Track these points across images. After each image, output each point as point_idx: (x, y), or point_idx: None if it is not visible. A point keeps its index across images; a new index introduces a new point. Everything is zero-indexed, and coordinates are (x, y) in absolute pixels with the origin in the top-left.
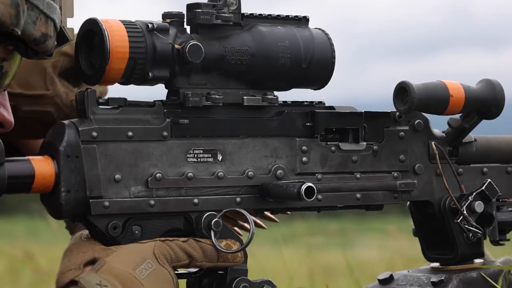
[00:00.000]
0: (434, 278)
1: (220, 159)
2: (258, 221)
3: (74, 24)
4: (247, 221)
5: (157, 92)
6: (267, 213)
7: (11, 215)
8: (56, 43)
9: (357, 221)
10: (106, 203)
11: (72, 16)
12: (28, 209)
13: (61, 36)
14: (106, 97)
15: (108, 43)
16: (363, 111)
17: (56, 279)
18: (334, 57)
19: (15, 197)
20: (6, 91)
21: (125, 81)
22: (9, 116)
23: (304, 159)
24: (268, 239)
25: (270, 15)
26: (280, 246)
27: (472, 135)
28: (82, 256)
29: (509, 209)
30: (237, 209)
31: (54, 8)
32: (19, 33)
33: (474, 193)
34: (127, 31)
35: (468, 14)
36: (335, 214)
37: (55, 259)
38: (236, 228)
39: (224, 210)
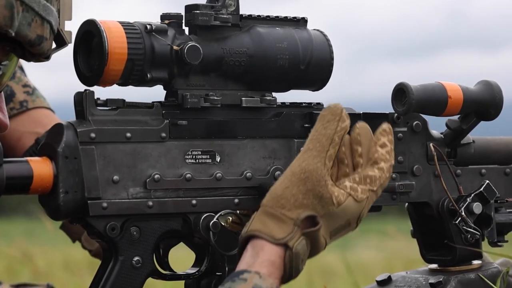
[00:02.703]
0: (432, 280)
1: (218, 160)
2: None
3: (72, 25)
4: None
5: (156, 93)
6: None
7: (9, 216)
8: (55, 45)
9: None
10: (104, 204)
11: (70, 19)
12: (26, 210)
13: (59, 39)
14: (104, 98)
15: (106, 44)
16: (361, 112)
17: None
18: (332, 58)
19: (13, 198)
20: (2, 93)
21: (123, 82)
22: (4, 118)
23: None
24: None
25: (268, 16)
26: None
27: (471, 136)
28: (299, 203)
29: (507, 210)
30: (234, 212)
31: (50, 10)
32: (13, 34)
33: (473, 195)
34: (126, 32)
35: (466, 15)
36: None
37: (53, 260)
38: None
39: (221, 212)
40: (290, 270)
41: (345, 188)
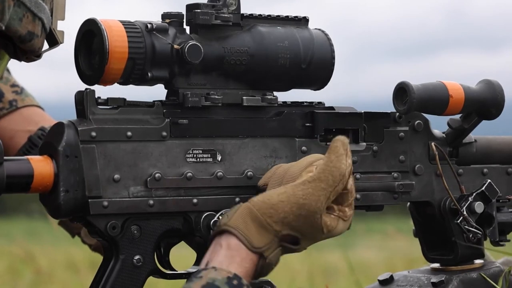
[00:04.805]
0: (434, 279)
1: (219, 159)
2: None
3: (72, 25)
4: None
5: (157, 92)
6: None
7: (11, 216)
8: (48, 46)
9: (357, 221)
10: (105, 203)
11: (63, 18)
12: (28, 209)
13: (51, 38)
14: (105, 97)
15: (107, 43)
16: (362, 111)
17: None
18: (333, 58)
19: (15, 197)
20: None
21: (124, 81)
22: None
23: None
24: None
25: (269, 15)
26: None
27: (472, 135)
28: (287, 221)
29: (509, 210)
30: None
31: (42, 7)
32: (3, 28)
33: (474, 194)
34: (126, 31)
35: (467, 14)
36: None
37: (55, 260)
38: None
39: (222, 211)
40: (258, 275)
41: (333, 212)
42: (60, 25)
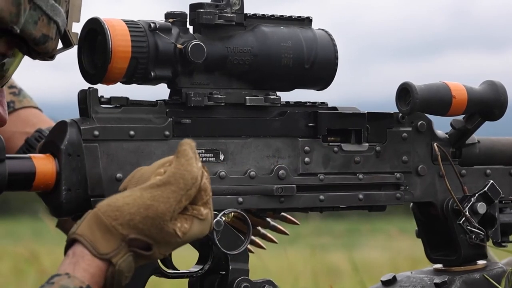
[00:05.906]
0: (437, 280)
1: (222, 159)
2: (289, 217)
3: (76, 25)
4: (247, 223)
5: (160, 91)
6: (288, 216)
7: (15, 216)
8: (62, 46)
9: (361, 222)
10: None
11: (78, 21)
12: (33, 210)
13: (65, 40)
14: (108, 96)
15: (110, 42)
16: (366, 112)
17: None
18: (337, 58)
19: (20, 198)
20: (3, 88)
21: (127, 81)
22: (4, 113)
23: (307, 159)
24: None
25: (273, 15)
26: (285, 247)
27: (476, 136)
28: (133, 224)
29: None
30: (238, 211)
31: (58, 10)
32: (18, 31)
33: (477, 195)
34: (130, 31)
35: (471, 15)
36: (340, 215)
37: (60, 260)
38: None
39: (224, 211)
40: (110, 285)
41: (186, 212)
42: (74, 27)
